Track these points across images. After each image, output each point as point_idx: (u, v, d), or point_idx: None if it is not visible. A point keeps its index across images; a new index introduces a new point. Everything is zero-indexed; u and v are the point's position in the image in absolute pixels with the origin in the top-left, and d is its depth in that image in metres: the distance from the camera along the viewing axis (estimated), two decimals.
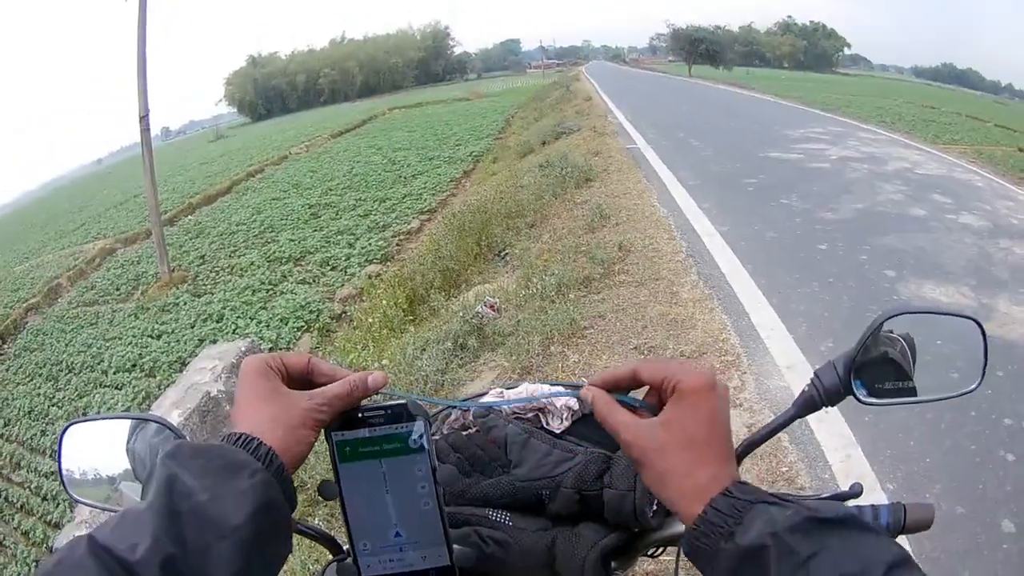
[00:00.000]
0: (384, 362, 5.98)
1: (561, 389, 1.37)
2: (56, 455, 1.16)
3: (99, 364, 13.90)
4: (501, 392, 1.43)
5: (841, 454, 4.31)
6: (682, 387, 0.85)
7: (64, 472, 1.15)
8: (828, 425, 4.56)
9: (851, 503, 1.08)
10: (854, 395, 1.10)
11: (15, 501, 10.25)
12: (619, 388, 0.95)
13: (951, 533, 3.66)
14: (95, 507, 1.15)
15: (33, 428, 12.36)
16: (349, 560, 0.99)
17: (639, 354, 5.70)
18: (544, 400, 1.39)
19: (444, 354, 6.11)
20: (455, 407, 1.42)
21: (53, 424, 12.01)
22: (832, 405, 1.11)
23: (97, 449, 1.15)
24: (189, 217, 26.11)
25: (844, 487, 1.13)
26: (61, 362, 14.78)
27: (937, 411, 4.65)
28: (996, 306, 6.58)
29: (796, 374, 5.24)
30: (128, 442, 1.12)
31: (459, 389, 5.73)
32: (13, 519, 9.87)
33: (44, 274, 23.39)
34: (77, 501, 1.15)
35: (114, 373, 13.21)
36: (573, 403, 1.38)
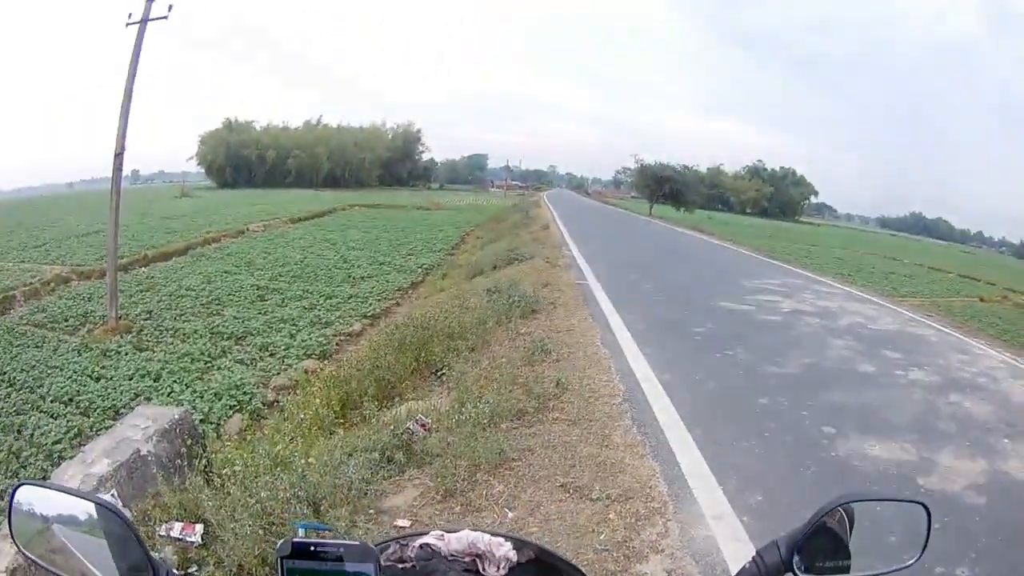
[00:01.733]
0: (311, 460, 6.04)
1: (502, 540, 1.52)
2: (7, 510, 1.23)
3: (39, 387, 14.11)
4: (442, 535, 1.54)
5: None
6: None
7: (14, 528, 1.23)
8: None
9: None
10: (794, 572, 1.23)
11: None
12: None
13: None
14: (39, 564, 1.21)
15: None
16: None
17: (565, 492, 5.81)
18: (484, 548, 1.51)
19: (370, 464, 6.15)
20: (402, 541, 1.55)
21: None
22: None
23: (49, 514, 1.22)
24: (143, 269, 26.47)
25: None
26: (4, 374, 14.96)
27: None
28: (939, 460, 6.87)
29: (723, 525, 5.38)
30: (88, 514, 1.21)
31: (383, 500, 5.80)
32: None
33: (1, 280, 23.54)
34: (26, 556, 1.22)
35: (51, 402, 13.40)
36: (512, 555, 1.52)
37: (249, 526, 4.75)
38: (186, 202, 60.07)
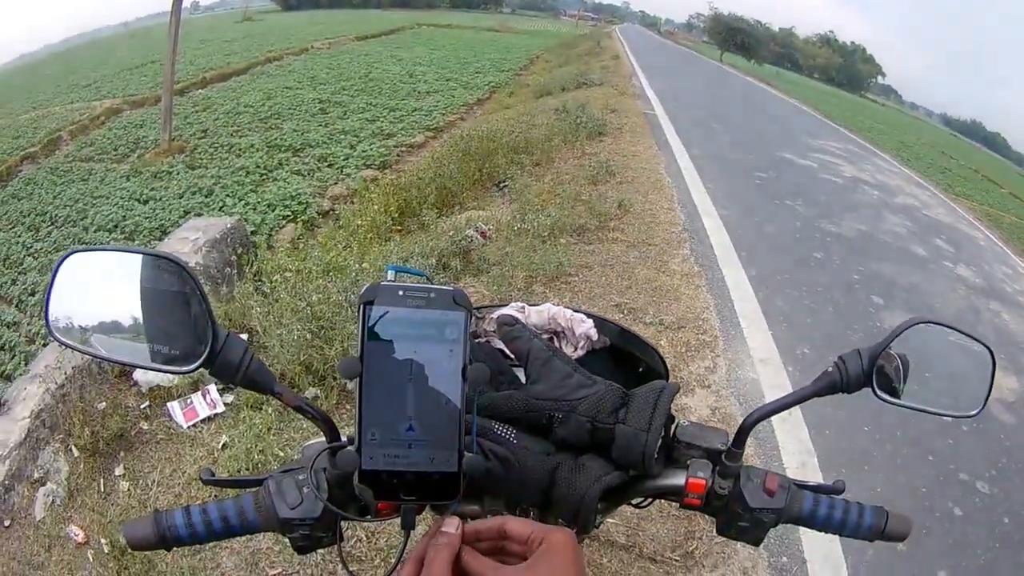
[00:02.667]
0: (364, 265, 5.89)
1: (583, 317, 1.44)
2: (48, 283, 1.02)
3: (82, 220, 13.78)
4: (522, 307, 1.45)
5: None
6: (549, 541, 0.89)
7: (51, 303, 1.03)
8: None
9: (837, 498, 1.17)
10: (872, 387, 1.10)
11: None
12: (484, 539, 0.94)
13: None
14: (73, 347, 1.03)
15: (4, 276, 12.18)
16: (351, 448, 0.94)
17: (619, 312, 5.70)
18: (564, 324, 1.43)
19: (426, 269, 6.03)
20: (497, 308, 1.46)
21: (25, 275, 11.86)
22: (850, 392, 1.11)
23: (96, 283, 1.04)
24: (200, 91, 25.78)
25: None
26: (46, 213, 14.65)
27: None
28: None
29: (768, 368, 5.27)
30: (140, 279, 1.00)
31: None
32: None
33: (48, 125, 23.01)
34: (55, 338, 1.03)
35: (95, 231, 13.07)
36: (593, 333, 1.43)
37: (297, 331, 4.62)
38: (248, 25, 59.85)
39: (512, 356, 1.33)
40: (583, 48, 37.52)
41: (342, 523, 1.08)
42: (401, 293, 0.89)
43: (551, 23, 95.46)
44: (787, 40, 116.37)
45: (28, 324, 10.16)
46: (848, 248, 8.96)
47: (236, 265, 5.94)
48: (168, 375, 4.29)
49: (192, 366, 0.97)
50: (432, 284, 0.93)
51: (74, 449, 4.24)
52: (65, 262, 1.01)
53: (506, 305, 1.45)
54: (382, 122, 19.88)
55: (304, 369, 4.53)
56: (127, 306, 1.00)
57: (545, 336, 1.40)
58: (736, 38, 70.73)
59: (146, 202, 14.10)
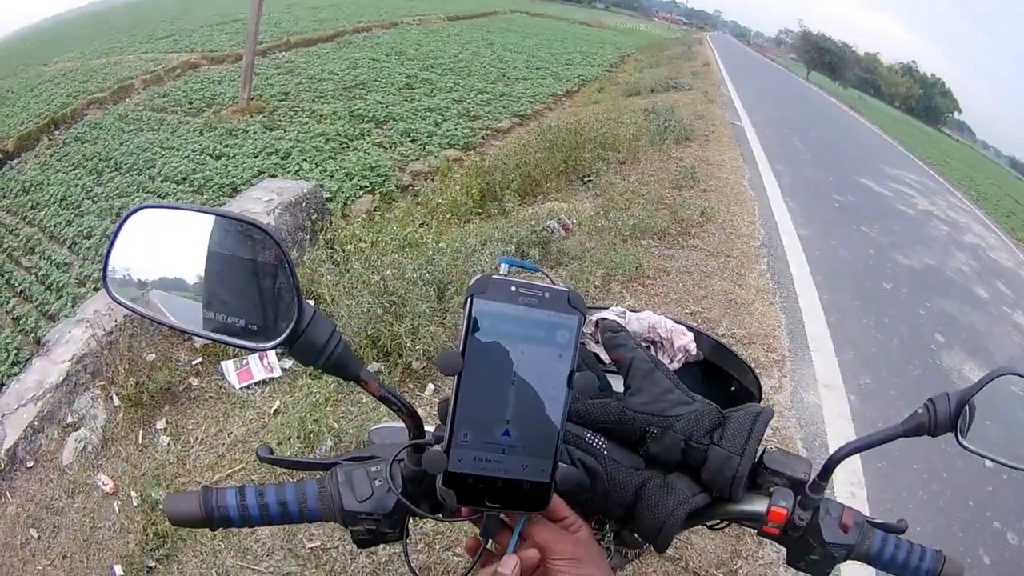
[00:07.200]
0: (441, 244, 5.79)
1: (684, 329, 1.34)
2: (111, 239, 0.93)
3: (149, 169, 13.37)
4: (623, 312, 1.35)
5: None
6: None
7: (111, 260, 0.94)
8: None
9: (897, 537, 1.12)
10: (956, 432, 1.06)
11: (16, 285, 10.10)
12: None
13: None
14: (129, 307, 0.94)
15: (60, 216, 12.07)
16: (438, 448, 0.86)
17: (693, 321, 5.56)
18: (664, 334, 1.33)
19: (504, 255, 5.85)
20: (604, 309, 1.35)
21: (82, 217, 11.72)
22: (936, 435, 1.07)
23: (163, 245, 0.95)
24: (283, 53, 25.10)
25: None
26: (110, 159, 14.30)
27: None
28: None
29: (832, 394, 5.17)
30: (209, 244, 0.91)
31: None
32: (8, 303, 9.68)
33: (119, 72, 22.33)
34: (112, 297, 0.93)
35: (161, 181, 12.69)
36: (692, 347, 1.33)
37: (368, 303, 4.47)
38: None
39: (608, 362, 1.25)
40: (674, 51, 36.99)
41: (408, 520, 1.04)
42: (513, 289, 0.83)
43: (643, 23, 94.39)
44: (871, 65, 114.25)
45: (80, 266, 10.08)
46: (916, 281, 8.75)
47: (309, 231, 5.84)
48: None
49: (271, 343, 0.89)
50: (547, 283, 0.88)
51: (115, 397, 4.16)
52: (131, 217, 0.94)
53: (607, 308, 1.37)
54: (469, 103, 19.25)
55: (370, 343, 4.43)
56: (196, 271, 0.92)
57: (644, 343, 1.33)
58: (823, 58, 69.92)
59: (219, 158, 13.64)
